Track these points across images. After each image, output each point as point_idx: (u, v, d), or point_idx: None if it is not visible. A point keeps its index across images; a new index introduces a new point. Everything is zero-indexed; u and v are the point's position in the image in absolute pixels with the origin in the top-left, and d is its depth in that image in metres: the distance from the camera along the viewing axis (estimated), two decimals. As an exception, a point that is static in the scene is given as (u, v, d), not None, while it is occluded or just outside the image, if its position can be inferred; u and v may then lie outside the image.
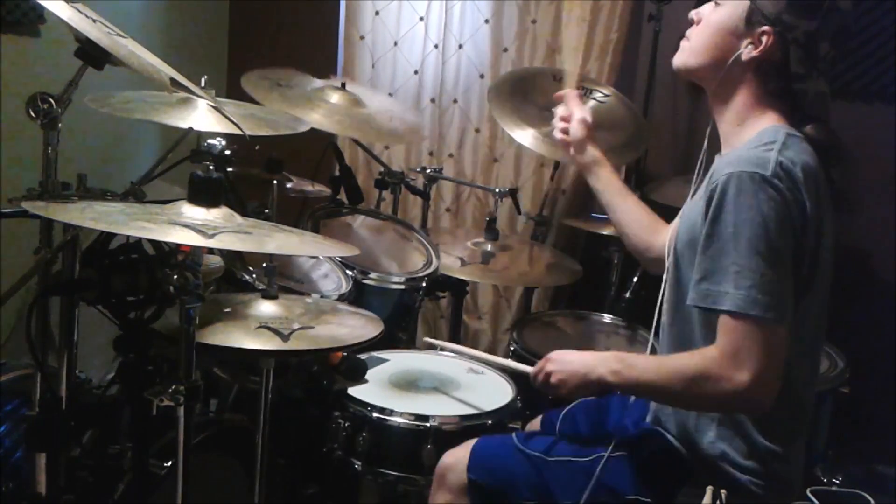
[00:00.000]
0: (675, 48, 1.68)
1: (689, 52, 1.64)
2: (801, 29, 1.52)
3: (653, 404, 1.74)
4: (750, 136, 1.56)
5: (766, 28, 1.53)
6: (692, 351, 1.53)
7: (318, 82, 2.63)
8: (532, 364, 1.74)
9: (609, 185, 1.93)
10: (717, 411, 1.57)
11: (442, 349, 2.16)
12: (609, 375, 1.57)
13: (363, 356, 2.15)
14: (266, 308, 1.75)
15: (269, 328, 1.66)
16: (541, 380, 1.67)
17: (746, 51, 1.55)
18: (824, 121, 1.57)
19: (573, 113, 1.96)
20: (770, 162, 1.45)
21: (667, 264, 1.66)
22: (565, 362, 1.64)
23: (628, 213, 1.92)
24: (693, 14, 1.65)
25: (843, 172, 1.57)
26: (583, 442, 1.74)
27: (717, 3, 1.61)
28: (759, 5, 1.54)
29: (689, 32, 1.65)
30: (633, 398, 1.83)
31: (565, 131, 1.96)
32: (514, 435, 1.76)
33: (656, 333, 1.75)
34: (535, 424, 2.02)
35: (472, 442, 1.77)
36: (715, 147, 1.67)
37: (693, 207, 1.62)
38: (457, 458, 1.76)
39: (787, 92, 1.55)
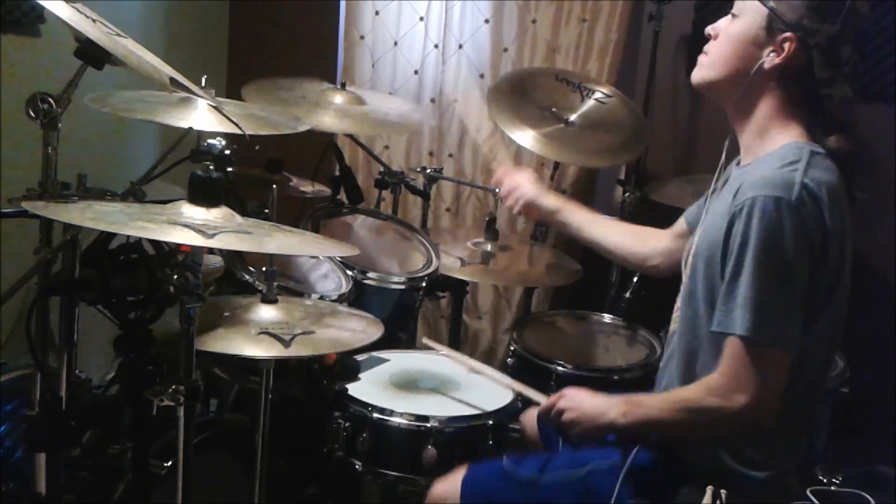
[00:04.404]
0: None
1: (710, 66, 1.62)
2: (823, 33, 1.50)
3: None
4: (772, 148, 1.54)
5: (787, 34, 1.52)
6: (695, 382, 1.55)
7: (320, 84, 2.62)
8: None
9: (581, 220, 1.98)
10: (719, 435, 1.57)
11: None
12: (619, 418, 1.58)
13: (361, 356, 2.15)
14: (266, 312, 1.74)
15: (270, 334, 1.66)
16: (552, 416, 1.67)
17: (769, 59, 1.54)
18: (850, 125, 1.56)
19: (515, 180, 2.04)
20: (795, 185, 1.44)
21: (684, 278, 1.65)
22: (578, 401, 1.64)
23: (612, 236, 1.95)
24: (710, 29, 1.63)
25: (868, 184, 1.57)
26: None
27: (733, 16, 1.59)
28: (779, 12, 1.52)
29: (707, 48, 1.63)
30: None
31: (520, 197, 2.03)
32: (504, 460, 1.75)
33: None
34: (531, 415, 2.01)
35: (460, 472, 1.76)
36: (732, 157, 1.66)
37: (713, 224, 1.59)
38: (447, 491, 1.75)
39: (811, 99, 1.54)
